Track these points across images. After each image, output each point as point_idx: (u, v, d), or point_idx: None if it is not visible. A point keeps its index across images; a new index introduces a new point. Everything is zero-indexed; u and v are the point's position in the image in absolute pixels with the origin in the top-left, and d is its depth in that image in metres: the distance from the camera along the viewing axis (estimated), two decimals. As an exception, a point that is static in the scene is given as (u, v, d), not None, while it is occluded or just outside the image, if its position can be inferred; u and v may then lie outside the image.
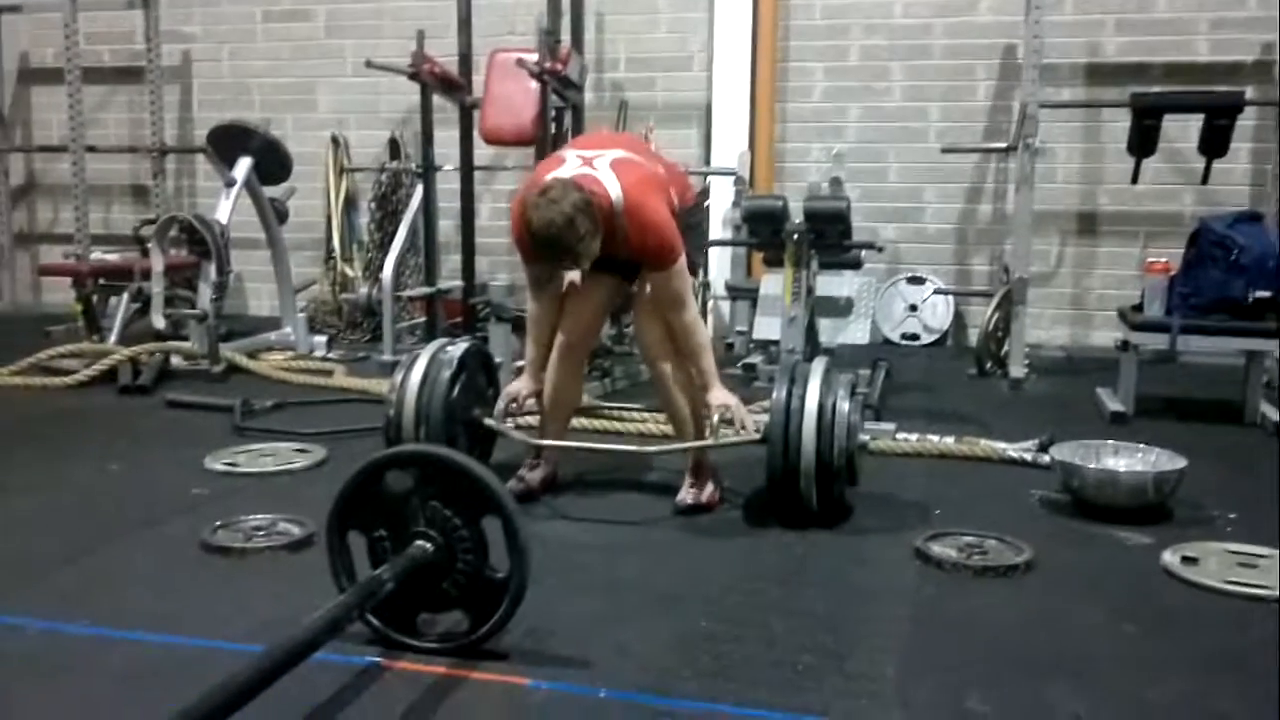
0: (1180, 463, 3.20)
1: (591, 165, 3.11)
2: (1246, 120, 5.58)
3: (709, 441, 3.18)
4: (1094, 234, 6.34)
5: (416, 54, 5.35)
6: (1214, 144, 5.15)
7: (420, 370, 3.28)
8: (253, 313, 7.51)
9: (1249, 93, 5.65)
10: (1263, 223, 4.53)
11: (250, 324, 6.66)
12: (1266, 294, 4.20)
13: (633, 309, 3.44)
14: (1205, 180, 5.33)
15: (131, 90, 7.63)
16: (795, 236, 4.27)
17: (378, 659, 2.17)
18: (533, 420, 3.55)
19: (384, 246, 6.61)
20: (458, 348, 3.37)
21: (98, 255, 6.35)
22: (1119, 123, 5.73)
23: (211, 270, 5.40)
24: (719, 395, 3.18)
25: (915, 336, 6.48)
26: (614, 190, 3.07)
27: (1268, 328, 4.26)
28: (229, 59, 7.50)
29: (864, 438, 3.13)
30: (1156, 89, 5.90)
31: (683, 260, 3.16)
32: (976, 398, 4.95)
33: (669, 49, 6.75)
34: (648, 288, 3.25)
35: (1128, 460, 3.33)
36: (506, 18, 6.84)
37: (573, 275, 3.37)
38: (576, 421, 4.03)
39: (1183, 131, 5.70)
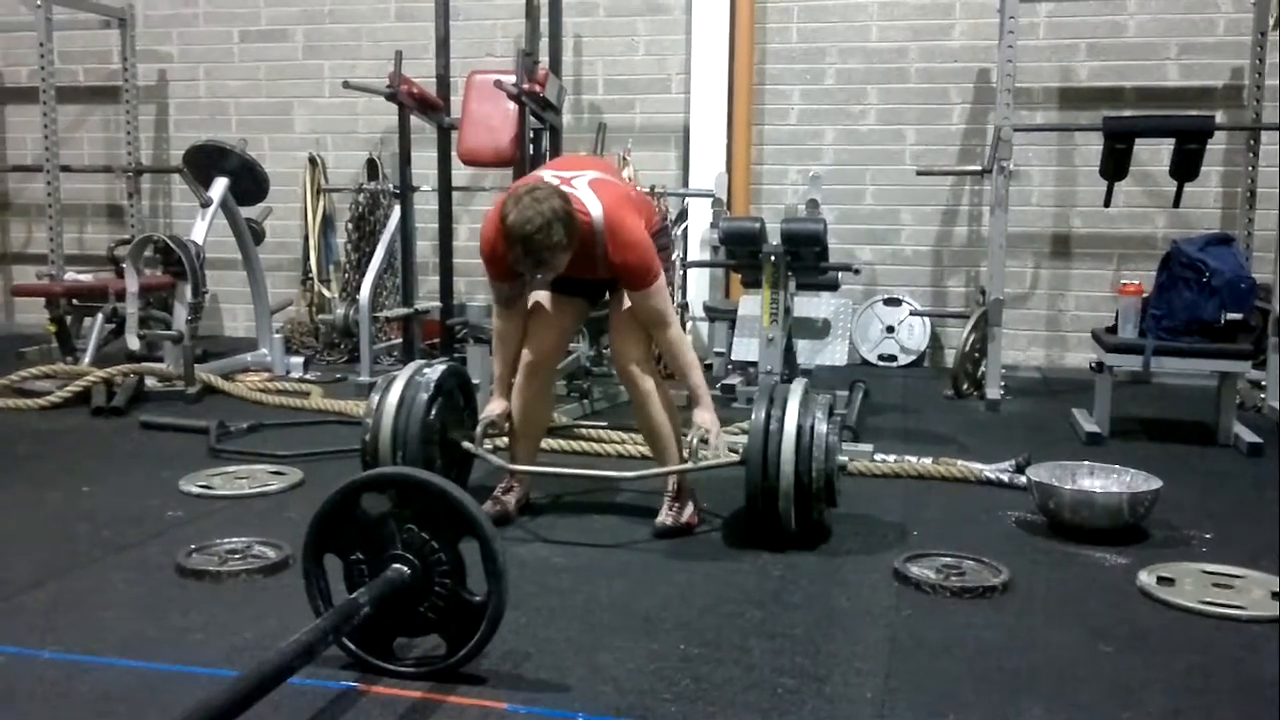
0: (1155, 483, 3.23)
1: (570, 185, 3.11)
2: (1217, 144, 5.66)
3: (687, 465, 3.18)
4: (1068, 256, 6.40)
5: (394, 75, 5.35)
6: (1185, 168, 5.21)
7: (397, 392, 3.27)
8: (229, 334, 7.47)
9: (1219, 117, 5.74)
10: (1233, 245, 4.59)
11: (226, 345, 6.63)
12: (1238, 316, 4.25)
13: (609, 329, 3.44)
14: (1177, 203, 5.38)
15: (107, 110, 7.60)
16: (773, 258, 4.28)
17: (354, 683, 2.16)
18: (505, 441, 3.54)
19: (361, 267, 6.59)
20: (435, 369, 3.37)
21: (72, 275, 6.31)
22: (1092, 146, 5.80)
23: (187, 291, 5.38)
24: (702, 416, 3.18)
25: (892, 358, 6.51)
26: (595, 209, 3.08)
27: (1240, 349, 4.31)
28: (205, 79, 7.49)
29: (842, 459, 3.14)
30: (1128, 113, 5.98)
31: (662, 279, 3.18)
32: (953, 419, 4.97)
33: (647, 71, 6.78)
34: (623, 307, 3.26)
35: (1103, 481, 3.35)
36: (485, 39, 6.88)
37: (538, 296, 3.37)
38: (554, 443, 4.04)
39: (1154, 155, 5.78)
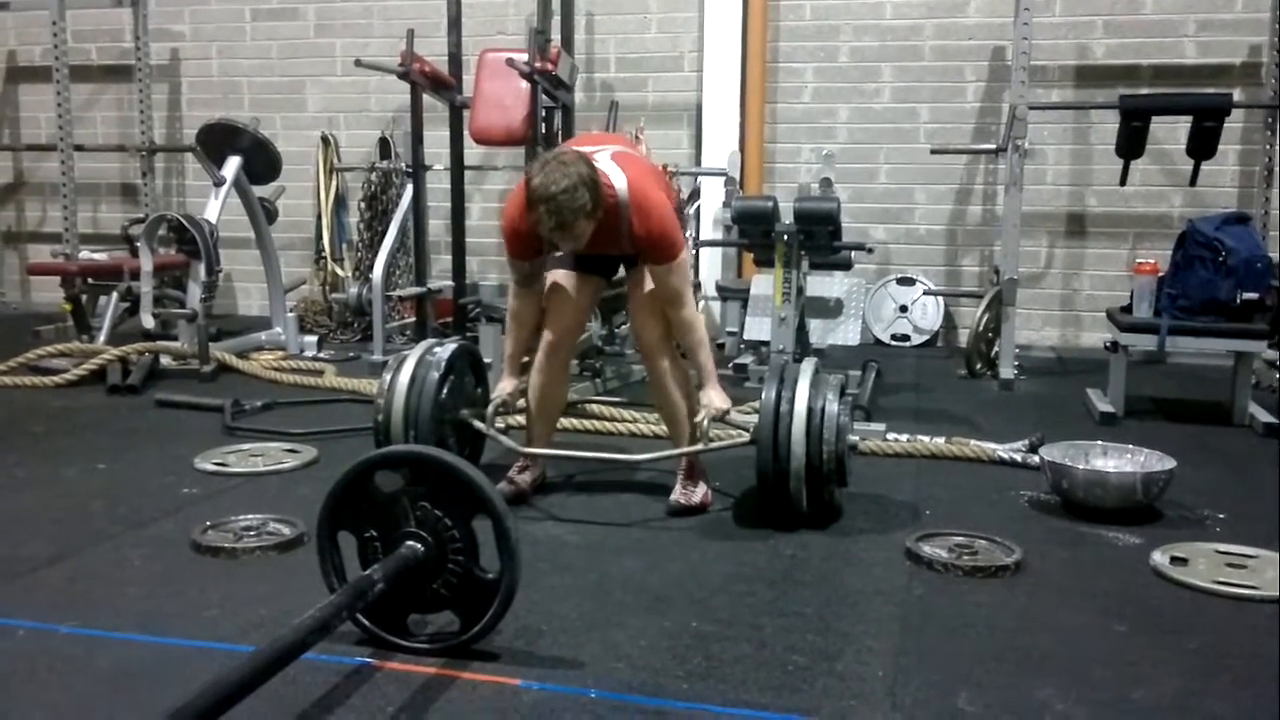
0: (1169, 463, 3.22)
1: (593, 160, 3.09)
2: (1234, 122, 5.63)
3: (698, 447, 3.18)
4: (1083, 235, 6.36)
5: (406, 53, 5.33)
6: (1202, 146, 5.18)
7: (409, 371, 3.28)
8: (242, 312, 7.50)
9: (1236, 95, 5.69)
10: (1250, 224, 4.56)
11: (240, 324, 6.66)
12: (1254, 295, 4.22)
13: (629, 306, 3.43)
14: (1193, 182, 5.35)
15: (120, 89, 7.61)
16: (785, 237, 4.27)
17: (368, 659, 2.17)
18: (522, 419, 3.55)
19: (374, 246, 6.60)
20: (446, 348, 3.37)
21: (86, 254, 6.33)
22: (1108, 124, 5.76)
23: (201, 269, 5.40)
24: (710, 395, 3.19)
25: (905, 337, 6.49)
26: (619, 181, 3.07)
27: (1256, 329, 4.28)
28: (218, 57, 7.48)
29: (853, 439, 3.14)
30: (1145, 91, 5.93)
31: (684, 255, 3.16)
32: (966, 398, 4.96)
33: (659, 49, 6.76)
34: (646, 285, 3.25)
35: (1117, 461, 3.35)
36: (496, 17, 6.86)
37: (556, 275, 3.37)
38: (567, 422, 4.04)
39: (1171, 133, 5.74)
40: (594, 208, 2.95)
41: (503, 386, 3.35)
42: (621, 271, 3.42)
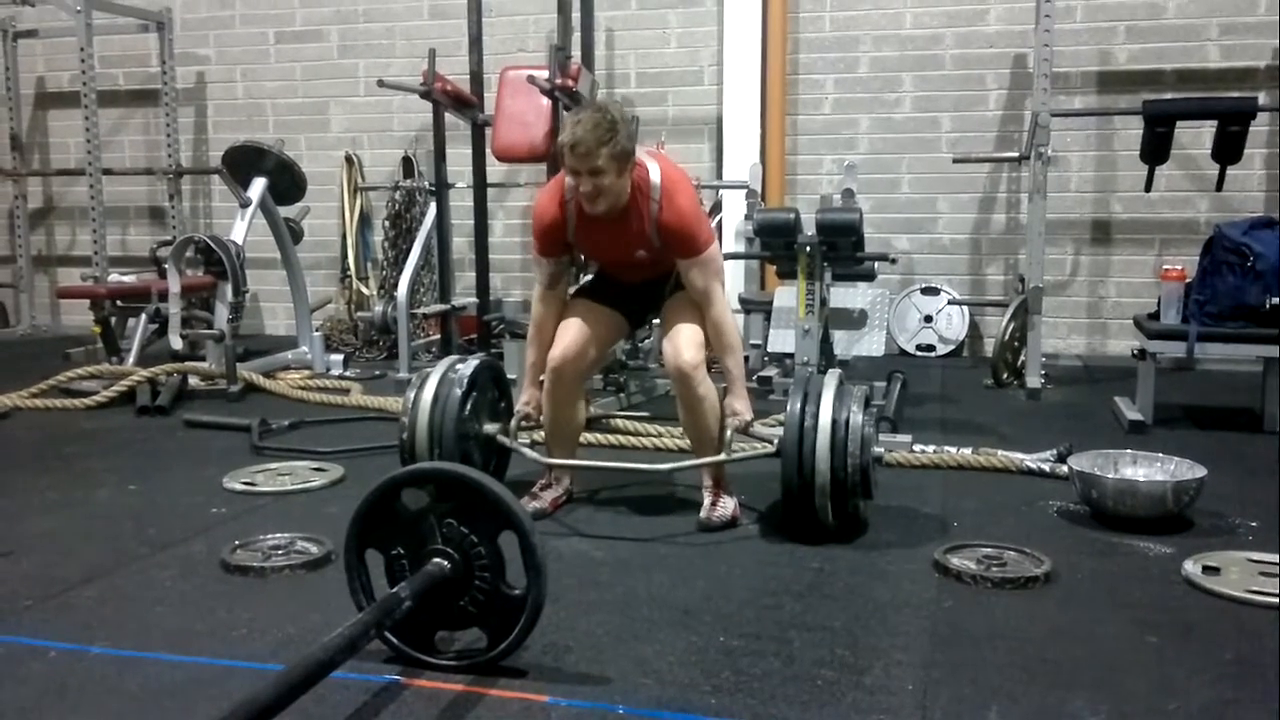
0: (1200, 471, 3.18)
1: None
2: (1260, 126, 5.58)
3: (722, 456, 3.17)
4: (1108, 242, 6.32)
5: (428, 72, 5.38)
6: (1228, 150, 5.13)
7: (432, 388, 3.29)
8: (269, 332, 7.56)
9: (1262, 98, 5.64)
10: (1278, 228, 4.51)
11: (267, 343, 6.71)
12: (1283, 300, 4.18)
13: (663, 330, 3.43)
14: (1219, 187, 5.30)
15: (147, 113, 7.71)
16: (808, 249, 4.27)
17: (396, 677, 2.17)
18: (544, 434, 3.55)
19: (399, 264, 6.65)
20: (468, 365, 3.38)
21: (115, 277, 6.38)
22: (1132, 130, 5.72)
23: (228, 290, 5.44)
24: (735, 403, 3.19)
25: (930, 348, 6.47)
26: (654, 169, 3.13)
27: (1286, 334, 4.24)
28: (242, 80, 7.57)
29: (879, 450, 3.12)
30: (1169, 96, 5.89)
31: (713, 250, 3.18)
32: (993, 408, 4.93)
33: (679, 63, 6.78)
34: (679, 309, 3.26)
35: (1146, 470, 3.32)
36: (517, 35, 6.90)
37: (577, 302, 3.37)
38: (591, 437, 4.05)
39: (1196, 138, 5.70)
40: (622, 155, 2.99)
41: (524, 399, 3.35)
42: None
